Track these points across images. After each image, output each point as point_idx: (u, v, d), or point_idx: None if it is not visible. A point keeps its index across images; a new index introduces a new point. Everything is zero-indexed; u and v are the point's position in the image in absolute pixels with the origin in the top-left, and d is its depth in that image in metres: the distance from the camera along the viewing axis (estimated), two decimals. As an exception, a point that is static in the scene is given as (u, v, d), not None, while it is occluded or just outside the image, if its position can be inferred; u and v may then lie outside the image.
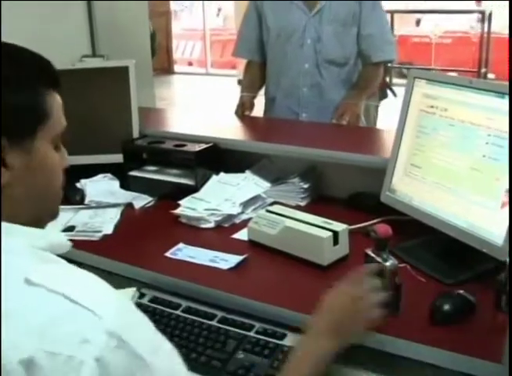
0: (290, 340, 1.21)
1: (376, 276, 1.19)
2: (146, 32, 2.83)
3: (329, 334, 1.06)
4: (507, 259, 1.16)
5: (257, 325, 1.25)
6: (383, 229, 1.18)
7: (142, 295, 1.41)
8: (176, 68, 11.69)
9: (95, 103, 2.07)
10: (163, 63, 11.27)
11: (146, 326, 0.80)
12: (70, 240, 1.57)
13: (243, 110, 2.40)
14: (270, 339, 1.21)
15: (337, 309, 1.09)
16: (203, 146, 1.89)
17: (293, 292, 1.33)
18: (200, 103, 8.02)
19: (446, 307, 1.16)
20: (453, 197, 1.36)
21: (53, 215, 0.94)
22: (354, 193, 1.79)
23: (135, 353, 0.73)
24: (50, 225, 1.68)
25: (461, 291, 1.20)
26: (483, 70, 7.11)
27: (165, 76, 11.08)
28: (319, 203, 1.83)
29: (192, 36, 11.96)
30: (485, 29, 7.13)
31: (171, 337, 1.28)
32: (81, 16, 2.43)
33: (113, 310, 0.75)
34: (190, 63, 12.02)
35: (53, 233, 0.90)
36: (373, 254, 1.20)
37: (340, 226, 1.43)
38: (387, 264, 1.17)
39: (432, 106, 1.43)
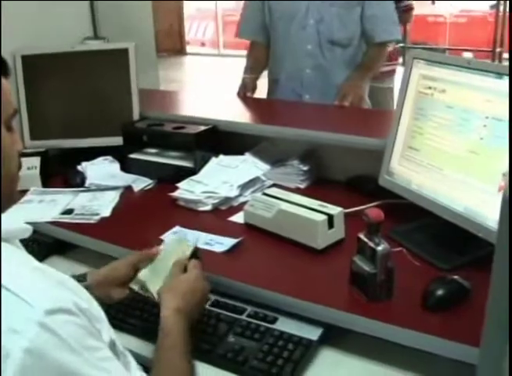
0: (280, 324, 1.20)
1: (368, 260, 1.18)
2: (149, 13, 2.79)
3: (185, 313, 1.08)
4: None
5: (249, 309, 1.25)
6: (375, 213, 1.16)
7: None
8: (188, 49, 11.65)
9: (96, 85, 2.07)
10: (175, 44, 11.24)
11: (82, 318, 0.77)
12: (68, 222, 1.63)
13: (245, 92, 2.37)
14: (261, 323, 1.21)
15: (188, 294, 1.11)
16: (203, 128, 1.88)
17: (287, 276, 1.32)
18: (210, 84, 7.99)
19: (439, 292, 1.14)
20: (450, 180, 1.33)
21: (9, 200, 0.90)
22: (353, 176, 1.77)
23: (67, 346, 0.72)
24: (47, 209, 1.71)
25: (455, 277, 1.18)
26: (498, 49, 7.00)
27: (177, 57, 11.06)
28: (319, 185, 1.81)
29: (205, 17, 11.89)
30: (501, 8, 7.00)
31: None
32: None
33: (48, 301, 0.73)
34: (203, 44, 11.97)
35: (10, 220, 0.86)
36: (365, 239, 1.19)
37: (335, 210, 1.41)
38: (379, 248, 1.16)
39: (430, 88, 1.40)
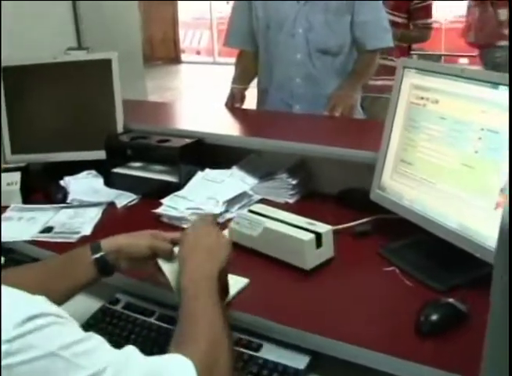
0: (265, 351, 1.13)
1: None
2: (135, 21, 2.73)
3: (206, 259, 1.07)
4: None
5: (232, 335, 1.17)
6: None
7: (117, 301, 1.35)
8: (183, 57, 11.63)
9: (79, 97, 2.00)
10: (169, 53, 11.21)
11: (59, 325, 0.75)
12: (47, 241, 1.56)
13: (233, 103, 2.31)
14: (245, 350, 1.13)
15: (200, 240, 1.12)
16: (188, 141, 1.81)
17: (273, 299, 1.24)
18: (206, 92, 7.95)
19: (434, 317, 1.07)
20: (444, 195, 1.26)
21: None
22: (344, 190, 1.70)
23: (46, 352, 0.70)
24: (25, 227, 1.64)
25: (450, 300, 1.11)
26: (494, 55, 6.94)
27: (172, 66, 11.03)
28: (308, 200, 1.74)
29: (200, 25, 11.88)
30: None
31: (142, 346, 1.20)
32: (65, 7, 2.35)
33: (14, 319, 0.70)
34: (198, 52, 11.96)
35: None
36: None
37: (324, 228, 1.34)
38: None
39: (422, 98, 1.33)
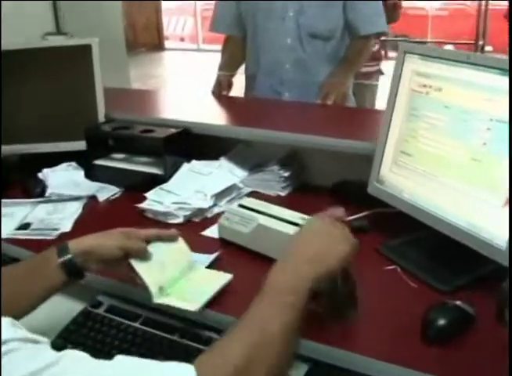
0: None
1: None
2: (118, 7, 2.61)
3: (307, 259, 0.92)
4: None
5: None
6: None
7: (99, 304, 1.26)
8: (167, 44, 11.50)
9: (57, 85, 1.89)
10: (153, 39, 11.07)
11: (22, 352, 0.68)
12: (23, 239, 1.46)
13: (220, 90, 2.21)
14: (237, 359, 1.05)
15: (313, 236, 0.97)
16: (173, 131, 1.72)
17: (266, 302, 1.16)
18: (191, 79, 7.85)
19: (441, 322, 1.00)
20: (448, 190, 1.19)
21: None
22: (338, 182, 1.62)
23: None
24: (2, 222, 1.54)
25: (458, 302, 1.03)
26: (480, 42, 6.91)
27: (155, 52, 10.88)
28: (301, 193, 1.67)
29: (184, 11, 11.75)
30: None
31: (127, 354, 1.12)
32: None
33: None
34: (182, 39, 11.84)
35: None
36: None
37: (320, 224, 1.25)
38: None
39: (425, 86, 1.25)
